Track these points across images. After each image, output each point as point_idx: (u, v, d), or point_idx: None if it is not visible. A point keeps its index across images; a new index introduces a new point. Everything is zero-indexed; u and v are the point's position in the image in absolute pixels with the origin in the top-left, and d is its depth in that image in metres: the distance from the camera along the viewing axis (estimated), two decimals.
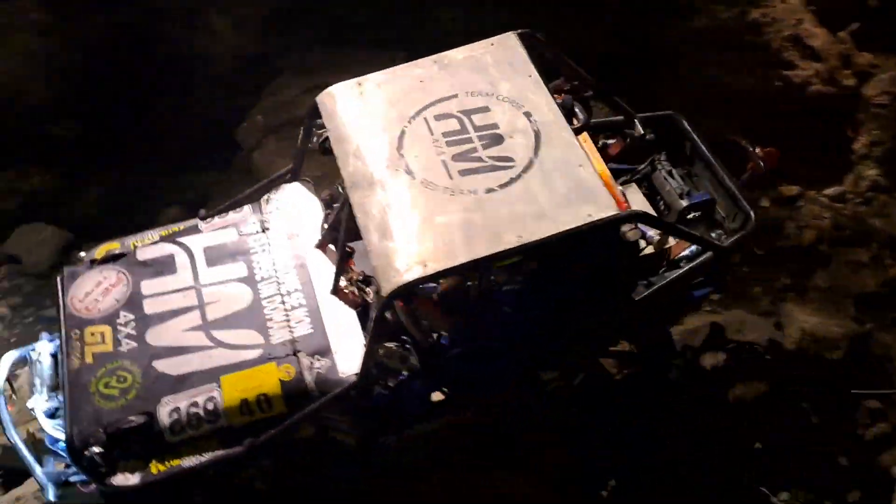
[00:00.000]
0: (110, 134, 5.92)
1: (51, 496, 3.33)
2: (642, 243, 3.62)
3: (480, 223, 2.98)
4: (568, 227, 2.97)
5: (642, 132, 3.96)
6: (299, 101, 5.44)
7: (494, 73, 3.48)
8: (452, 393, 3.56)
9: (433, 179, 3.12)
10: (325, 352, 3.31)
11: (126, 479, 3.13)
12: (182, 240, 3.73)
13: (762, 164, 4.02)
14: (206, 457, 3.16)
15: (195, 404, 3.19)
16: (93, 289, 3.56)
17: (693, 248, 3.69)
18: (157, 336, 3.39)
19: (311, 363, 3.27)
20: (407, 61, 3.63)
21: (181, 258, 3.64)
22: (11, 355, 3.62)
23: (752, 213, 3.75)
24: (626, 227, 3.20)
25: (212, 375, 3.26)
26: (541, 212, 3.01)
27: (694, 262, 3.66)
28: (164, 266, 3.63)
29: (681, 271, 3.65)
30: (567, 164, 3.16)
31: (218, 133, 5.97)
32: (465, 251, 2.92)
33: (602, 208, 3.03)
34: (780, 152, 4.06)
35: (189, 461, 3.16)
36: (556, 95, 3.53)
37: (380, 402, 3.39)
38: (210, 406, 3.19)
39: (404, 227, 3.00)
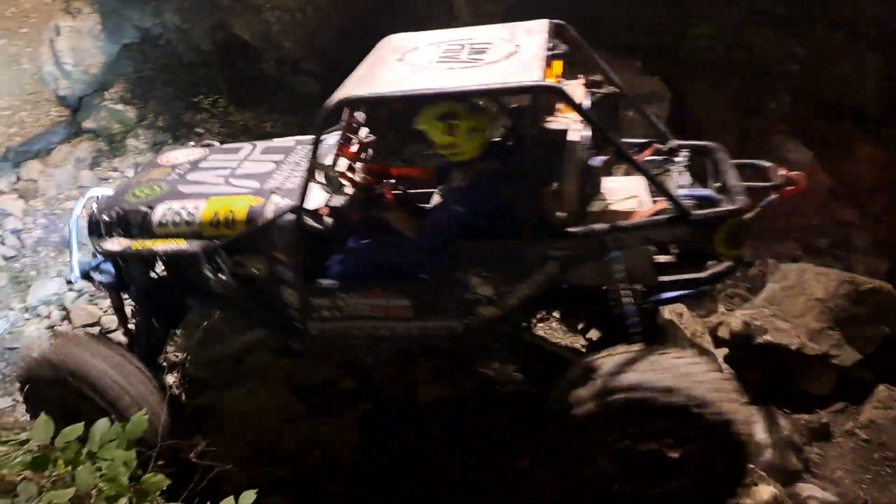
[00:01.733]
0: None
1: (73, 277, 4.18)
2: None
3: (432, 78, 3.43)
4: (493, 86, 3.27)
5: (674, 147, 4.02)
6: None
7: (511, 33, 4.00)
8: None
9: (412, 62, 3.68)
10: (294, 196, 3.81)
11: (113, 245, 3.87)
12: (256, 141, 4.67)
13: (791, 184, 3.72)
14: (172, 247, 3.78)
15: (182, 208, 3.88)
16: (178, 154, 4.60)
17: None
18: (194, 175, 4.24)
19: (279, 200, 3.79)
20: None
21: (247, 147, 4.56)
22: (98, 190, 4.70)
23: (744, 197, 3.42)
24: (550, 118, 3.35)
25: (205, 195, 3.95)
26: (483, 79, 3.36)
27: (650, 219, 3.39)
28: (232, 149, 4.57)
29: (628, 223, 3.42)
30: (524, 62, 3.49)
31: None
32: (410, 86, 3.40)
33: (527, 77, 3.27)
34: (807, 179, 3.73)
35: (159, 247, 3.80)
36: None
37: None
38: (191, 211, 3.85)
39: (373, 74, 3.58)
